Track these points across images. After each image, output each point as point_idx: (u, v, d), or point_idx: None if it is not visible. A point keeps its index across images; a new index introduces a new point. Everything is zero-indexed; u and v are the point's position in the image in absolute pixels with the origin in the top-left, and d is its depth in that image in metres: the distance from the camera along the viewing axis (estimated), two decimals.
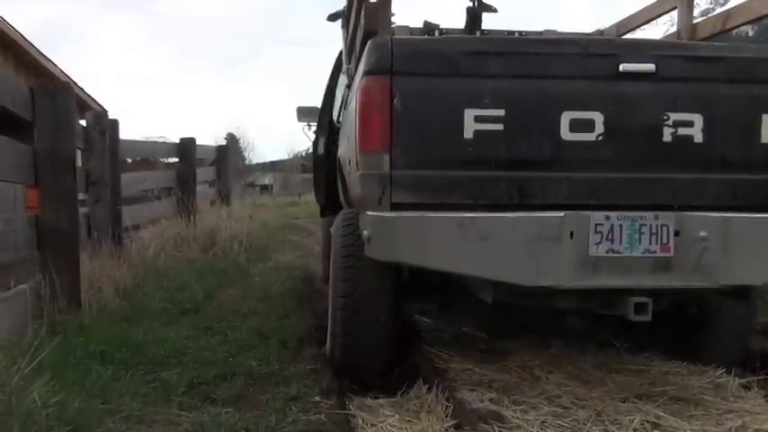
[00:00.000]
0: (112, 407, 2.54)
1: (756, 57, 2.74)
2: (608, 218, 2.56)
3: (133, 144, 7.07)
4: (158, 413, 2.59)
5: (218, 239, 6.68)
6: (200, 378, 3.00)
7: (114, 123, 5.34)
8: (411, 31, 4.96)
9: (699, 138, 2.64)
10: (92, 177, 4.75)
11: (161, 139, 13.46)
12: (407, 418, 2.57)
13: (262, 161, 41.80)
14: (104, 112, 5.74)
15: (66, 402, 2.29)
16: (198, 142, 7.98)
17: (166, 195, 7.62)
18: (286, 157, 38.50)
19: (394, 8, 3.29)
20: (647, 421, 2.54)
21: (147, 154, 9.12)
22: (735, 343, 3.22)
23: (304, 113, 5.41)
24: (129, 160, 9.81)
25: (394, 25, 4.41)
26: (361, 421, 2.58)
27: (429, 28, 4.77)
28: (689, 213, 2.59)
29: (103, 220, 4.84)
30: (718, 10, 4.62)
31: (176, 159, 7.94)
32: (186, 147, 7.72)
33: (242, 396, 2.84)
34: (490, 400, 2.75)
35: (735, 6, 4.22)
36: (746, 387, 2.93)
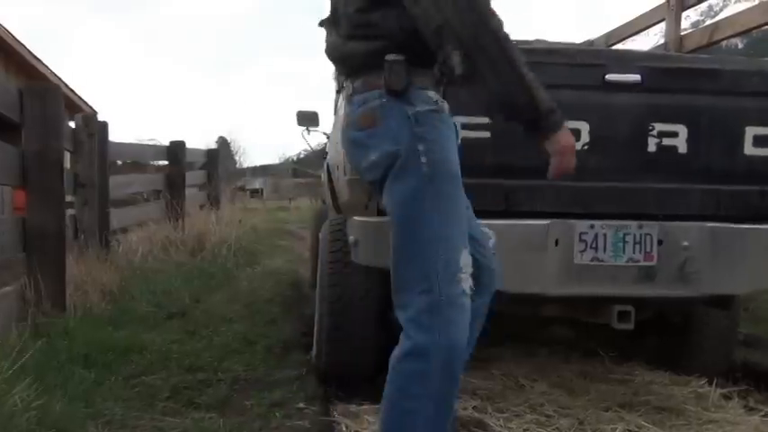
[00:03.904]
0: (95, 411, 2.53)
1: (741, 69, 2.77)
2: (592, 226, 2.58)
3: (122, 146, 7.03)
4: (142, 418, 2.58)
5: (207, 243, 6.65)
6: (185, 383, 2.99)
7: (103, 125, 5.32)
8: None
9: (683, 148, 2.66)
10: (80, 179, 4.72)
11: (152, 142, 13.45)
12: None
13: (253, 165, 41.88)
14: (94, 113, 5.73)
15: (48, 406, 2.27)
16: (189, 145, 7.95)
17: (155, 198, 7.59)
18: (277, 162, 38.49)
19: None
20: (629, 430, 2.56)
21: (137, 156, 9.08)
22: (718, 353, 3.24)
23: (303, 118, 5.35)
24: (119, 162, 9.77)
25: None
26: (344, 428, 2.57)
27: None
28: (672, 223, 2.62)
29: (91, 222, 4.81)
30: (709, 22, 4.67)
31: (166, 162, 7.92)
32: (176, 150, 7.69)
33: (226, 401, 2.83)
34: (474, 407, 2.75)
35: (722, 19, 4.27)
36: (727, 397, 2.95)
